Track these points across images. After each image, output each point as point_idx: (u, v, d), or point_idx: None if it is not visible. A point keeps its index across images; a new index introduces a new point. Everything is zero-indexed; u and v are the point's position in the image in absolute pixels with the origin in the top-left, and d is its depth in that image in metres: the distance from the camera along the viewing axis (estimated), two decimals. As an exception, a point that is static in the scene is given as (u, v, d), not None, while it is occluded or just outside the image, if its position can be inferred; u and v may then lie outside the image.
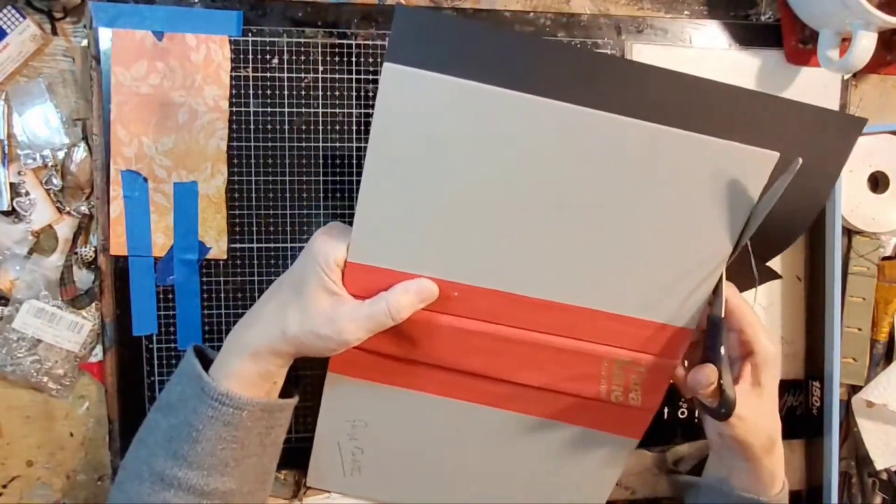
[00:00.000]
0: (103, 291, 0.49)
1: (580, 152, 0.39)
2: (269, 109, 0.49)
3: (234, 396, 0.40)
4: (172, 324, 0.49)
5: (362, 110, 0.50)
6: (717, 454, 0.49)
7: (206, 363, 0.43)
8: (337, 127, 0.50)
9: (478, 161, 0.40)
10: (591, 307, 0.43)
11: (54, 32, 0.47)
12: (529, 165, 0.40)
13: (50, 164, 0.48)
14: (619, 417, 0.47)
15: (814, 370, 0.57)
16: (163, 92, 0.47)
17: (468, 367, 0.45)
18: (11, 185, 0.48)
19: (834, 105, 0.56)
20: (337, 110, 0.49)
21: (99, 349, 0.50)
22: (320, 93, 0.49)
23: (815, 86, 0.55)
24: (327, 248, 0.41)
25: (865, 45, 0.48)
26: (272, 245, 0.50)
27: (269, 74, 0.49)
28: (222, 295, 0.50)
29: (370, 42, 0.49)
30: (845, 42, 0.51)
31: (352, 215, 0.42)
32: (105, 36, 0.46)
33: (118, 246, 0.48)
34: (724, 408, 0.41)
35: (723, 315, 0.42)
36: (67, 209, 0.49)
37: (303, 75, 0.49)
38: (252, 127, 0.49)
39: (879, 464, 0.58)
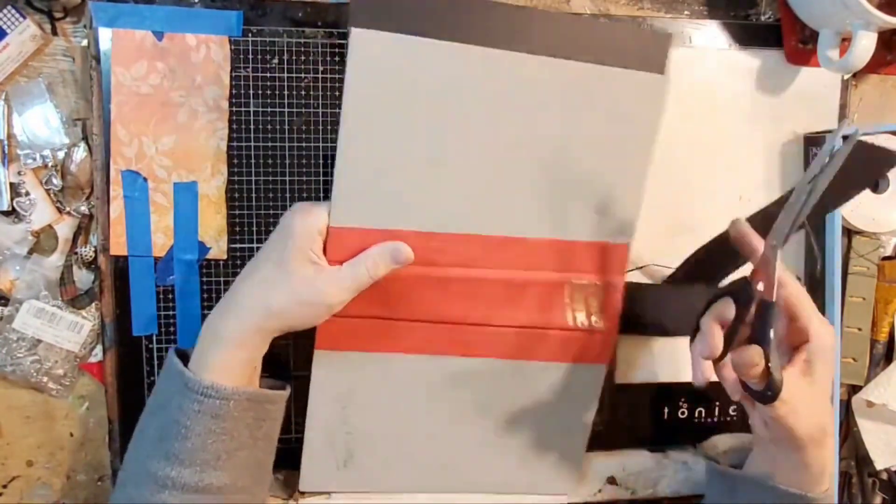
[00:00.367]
0: (103, 291, 0.49)
1: (520, 95, 0.44)
2: (269, 109, 0.49)
3: (219, 388, 0.40)
4: (172, 324, 0.50)
5: (362, 110, 0.50)
6: (762, 447, 0.46)
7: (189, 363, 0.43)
8: (337, 127, 0.49)
9: (443, 114, 0.44)
10: (547, 237, 0.48)
11: (54, 32, 0.47)
12: (486, 112, 0.44)
13: (50, 164, 0.48)
14: (587, 345, 0.50)
15: (814, 370, 0.57)
16: (163, 92, 0.47)
17: (448, 316, 0.48)
18: (11, 185, 0.48)
19: (834, 105, 0.56)
20: (337, 110, 0.49)
21: (99, 349, 0.50)
22: (320, 93, 0.49)
23: (815, 86, 0.55)
24: (309, 219, 0.43)
25: (865, 45, 0.48)
26: (272, 245, 0.50)
27: (269, 74, 0.49)
28: (222, 295, 0.49)
29: (370, 42, 0.49)
30: (845, 42, 0.51)
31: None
32: (105, 36, 0.46)
33: (118, 246, 0.48)
34: (770, 390, 0.39)
35: (774, 299, 0.40)
36: (67, 209, 0.49)
37: (303, 75, 0.49)
38: (252, 127, 0.49)
39: (879, 464, 0.58)
